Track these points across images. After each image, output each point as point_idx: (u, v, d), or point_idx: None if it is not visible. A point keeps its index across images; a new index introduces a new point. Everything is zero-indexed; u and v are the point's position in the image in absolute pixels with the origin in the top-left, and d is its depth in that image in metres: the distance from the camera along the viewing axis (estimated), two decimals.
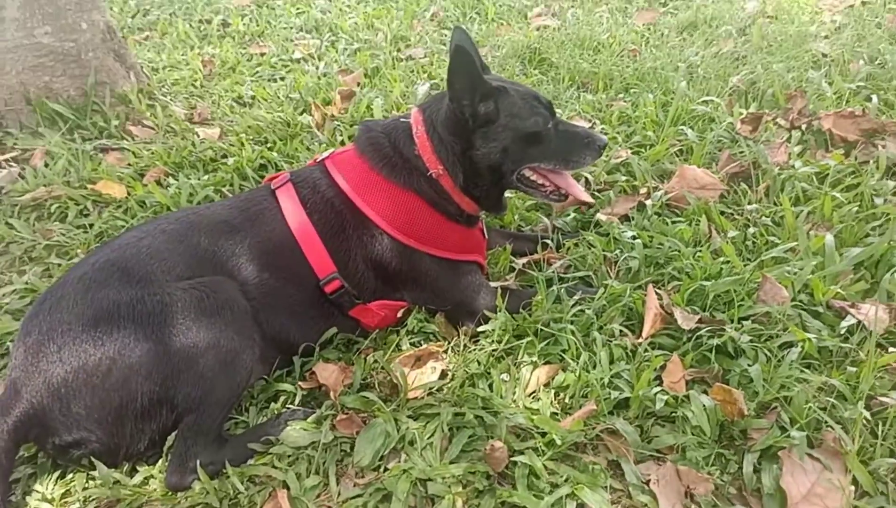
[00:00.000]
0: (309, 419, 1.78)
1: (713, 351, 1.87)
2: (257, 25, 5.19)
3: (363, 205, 1.98)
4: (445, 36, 4.63)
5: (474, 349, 1.98)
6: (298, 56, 4.43)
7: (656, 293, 2.04)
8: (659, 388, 1.78)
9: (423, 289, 2.07)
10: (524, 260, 2.37)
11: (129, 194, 2.76)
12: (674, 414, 1.74)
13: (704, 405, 1.71)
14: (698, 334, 1.94)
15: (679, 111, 3.18)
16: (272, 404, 1.88)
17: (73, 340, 1.63)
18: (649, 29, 4.48)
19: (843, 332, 1.91)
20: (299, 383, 1.92)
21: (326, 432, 1.74)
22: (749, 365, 1.81)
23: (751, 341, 1.88)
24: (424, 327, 2.06)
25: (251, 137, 3.15)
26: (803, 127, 2.93)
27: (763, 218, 2.45)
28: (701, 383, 1.83)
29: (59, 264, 2.45)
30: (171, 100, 3.59)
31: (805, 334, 1.86)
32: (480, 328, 2.04)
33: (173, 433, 1.69)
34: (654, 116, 3.18)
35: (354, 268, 1.99)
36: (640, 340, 1.95)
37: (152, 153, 3.01)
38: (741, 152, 2.84)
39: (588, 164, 2.10)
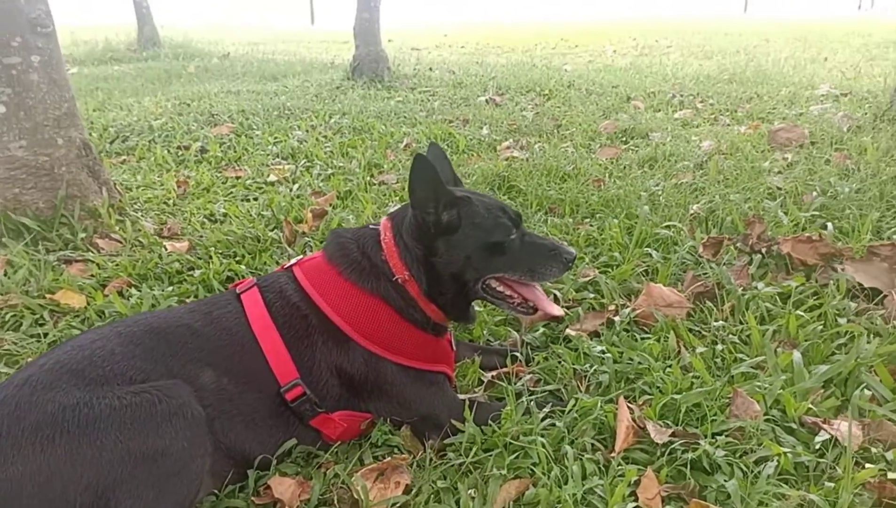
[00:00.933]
0: None
1: (688, 466, 1.81)
2: (234, 152, 5.34)
3: (329, 310, 1.95)
4: None
5: (440, 463, 1.89)
6: (273, 179, 4.53)
7: (628, 407, 2.00)
8: (634, 504, 1.70)
9: (388, 399, 2.00)
10: (493, 373, 2.32)
11: (88, 303, 2.69)
12: None
13: None
14: (672, 448, 1.88)
15: (643, 234, 3.27)
16: None
17: (12, 445, 1.52)
18: (612, 162, 4.70)
19: (817, 448, 1.87)
20: (252, 498, 1.78)
21: None
22: (725, 480, 1.75)
23: (725, 455, 1.83)
24: (389, 439, 1.97)
25: (220, 251, 3.14)
26: (763, 251, 3.02)
27: (730, 336, 2.46)
28: (677, 499, 1.75)
29: (7, 373, 2.33)
30: (141, 216, 3.60)
31: (780, 448, 1.81)
32: (447, 441, 1.95)
33: None
34: (619, 239, 3.27)
35: (318, 375, 1.93)
36: (613, 454, 1.88)
37: (117, 265, 2.97)
38: (705, 274, 2.90)
39: (555, 276, 2.10)
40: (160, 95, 8.26)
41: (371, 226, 2.11)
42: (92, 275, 2.93)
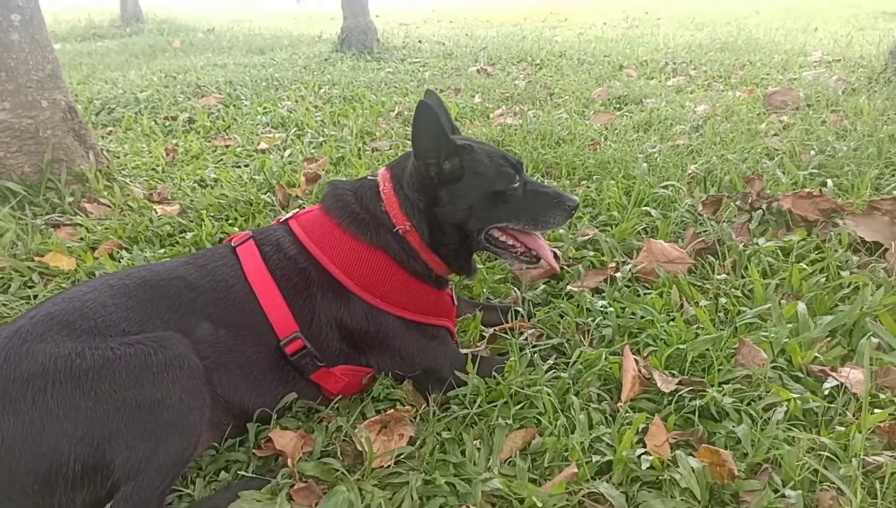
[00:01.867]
0: (263, 490, 1.61)
1: (696, 413, 1.78)
2: (223, 122, 5.24)
3: (328, 262, 1.90)
4: (409, 130, 4.73)
5: (444, 416, 1.85)
6: (264, 147, 4.45)
7: (633, 358, 1.97)
8: (642, 451, 1.67)
9: (389, 353, 1.96)
10: (495, 328, 2.28)
11: (77, 266, 2.62)
12: (660, 478, 1.62)
13: (693, 468, 1.59)
14: (678, 397, 1.85)
15: (641, 194, 3.23)
16: (222, 474, 1.69)
17: (2, 398, 1.46)
18: (606, 128, 4.65)
19: (826, 394, 1.85)
20: (253, 451, 1.74)
21: (283, 502, 1.56)
22: (734, 426, 1.72)
23: (733, 402, 1.80)
24: (391, 393, 1.93)
25: (212, 215, 3.07)
26: (763, 207, 2.99)
27: (733, 290, 2.43)
28: (686, 446, 1.72)
29: None
30: (130, 182, 3.51)
31: (789, 394, 1.79)
32: (451, 393, 1.91)
33: (109, 504, 1.49)
34: (617, 199, 3.22)
35: (318, 328, 1.88)
36: (620, 404, 1.85)
37: (106, 228, 2.90)
38: (705, 231, 2.87)
39: (558, 224, 2.06)
40: (145, 69, 8.11)
41: (369, 177, 2.05)
42: (81, 238, 2.86)
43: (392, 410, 1.83)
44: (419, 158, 1.89)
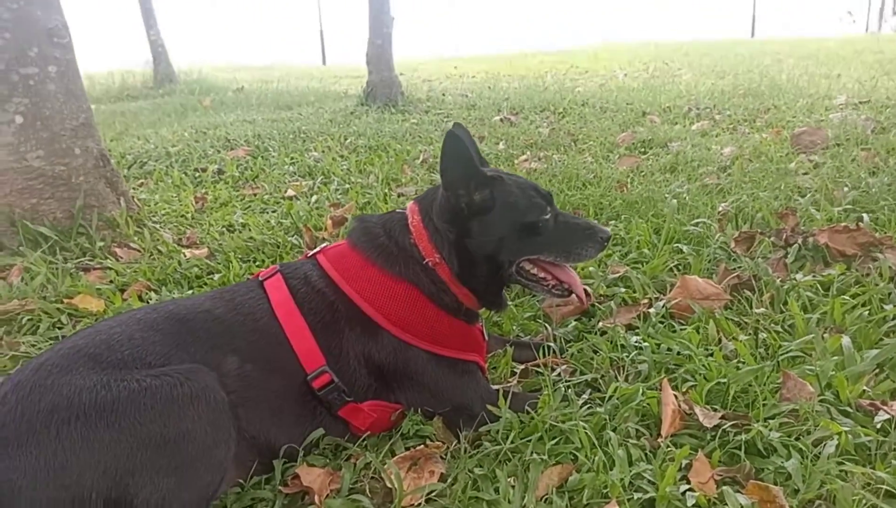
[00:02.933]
0: None
1: (742, 448, 1.69)
2: (251, 171, 5.32)
3: (356, 296, 1.87)
4: (435, 176, 4.75)
5: (476, 452, 1.78)
6: (291, 194, 4.49)
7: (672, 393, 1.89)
8: (686, 488, 1.58)
9: (419, 389, 1.90)
10: (526, 364, 2.22)
11: (106, 307, 2.62)
12: None
13: (741, 504, 1.51)
14: (721, 432, 1.77)
15: (671, 232, 3.18)
16: None
17: (27, 430, 1.44)
18: (633, 170, 4.63)
19: (878, 427, 1.75)
20: (280, 488, 1.68)
21: None
22: (783, 461, 1.63)
23: (780, 437, 1.71)
24: (420, 430, 1.87)
25: (240, 257, 3.08)
26: (799, 242, 2.91)
27: (772, 325, 2.35)
28: (732, 483, 1.63)
29: None
30: (160, 227, 3.55)
31: (840, 427, 1.70)
32: (482, 429, 1.85)
33: None
34: (647, 237, 3.17)
35: (346, 363, 1.84)
36: (661, 439, 1.77)
37: (135, 271, 2.92)
38: (739, 267, 2.80)
39: (591, 257, 2.02)
40: (177, 126, 8.32)
41: (397, 211, 2.04)
42: (110, 281, 2.88)
43: (422, 446, 1.77)
44: (448, 189, 1.88)
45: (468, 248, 1.91)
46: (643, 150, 5.43)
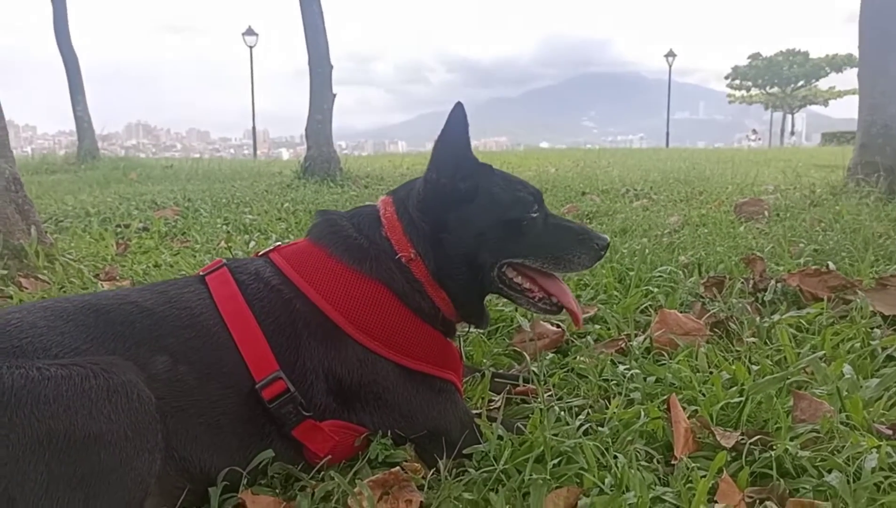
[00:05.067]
0: None
1: (773, 467, 1.45)
2: (180, 228, 4.96)
3: (316, 296, 1.58)
4: None
5: (462, 478, 1.47)
6: (225, 246, 4.15)
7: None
8: None
9: (387, 409, 1.59)
10: (510, 388, 1.95)
11: None
12: None
13: None
14: (739, 452, 1.53)
15: (637, 279, 3.03)
16: None
17: None
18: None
19: None
20: None
21: None
22: (819, 479, 1.40)
23: (810, 456, 1.49)
24: (391, 455, 1.55)
25: None
26: (773, 284, 2.80)
27: (763, 357, 2.18)
28: (762, 504, 1.38)
29: None
30: (75, 262, 3.14)
31: (876, 441, 1.49)
32: (467, 450, 1.54)
33: None
34: (613, 282, 3.01)
35: (302, 373, 1.52)
36: (675, 460, 1.51)
37: (43, 295, 2.50)
38: (715, 309, 2.65)
39: (585, 266, 1.77)
40: (99, 193, 7.86)
41: (367, 204, 1.79)
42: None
43: (397, 468, 1.44)
44: (435, 169, 1.66)
45: (444, 244, 1.66)
46: (589, 219, 5.39)
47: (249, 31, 34.90)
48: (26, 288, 2.70)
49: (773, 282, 2.80)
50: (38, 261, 2.91)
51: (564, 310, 1.78)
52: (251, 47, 34.50)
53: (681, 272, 3.12)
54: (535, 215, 1.74)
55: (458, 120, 1.62)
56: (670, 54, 45.74)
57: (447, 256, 1.67)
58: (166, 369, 1.39)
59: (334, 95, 8.76)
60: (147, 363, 1.37)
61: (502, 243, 1.70)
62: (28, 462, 1.09)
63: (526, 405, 1.86)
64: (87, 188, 8.75)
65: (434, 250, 1.67)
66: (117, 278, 2.95)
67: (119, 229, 4.96)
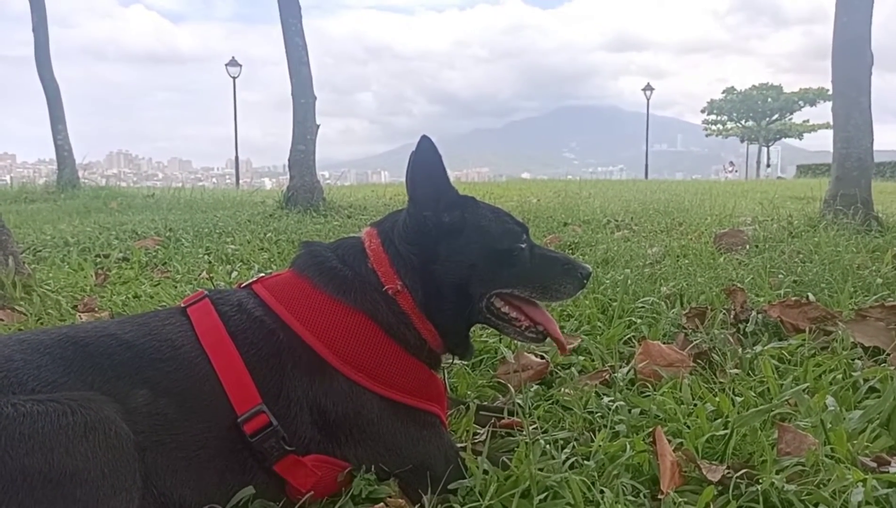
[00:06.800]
0: None
1: (759, 500, 1.45)
2: (161, 258, 4.91)
3: (301, 328, 1.56)
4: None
5: None
6: (207, 277, 4.11)
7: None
8: None
9: (371, 443, 1.57)
10: (494, 421, 1.93)
11: None
12: None
13: None
14: (725, 487, 1.53)
15: (620, 310, 3.04)
16: None
17: None
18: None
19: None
20: None
21: None
22: None
23: (796, 490, 1.49)
24: (375, 491, 1.52)
25: None
26: (751, 318, 2.82)
27: (747, 389, 2.18)
28: None
29: None
30: (53, 293, 3.09)
31: (861, 474, 1.49)
32: (453, 485, 1.52)
33: None
34: (596, 313, 3.02)
35: (286, 406, 1.50)
36: (662, 495, 1.50)
37: (20, 328, 2.46)
38: (697, 340, 2.66)
39: (570, 294, 1.79)
40: (78, 222, 7.78)
41: (350, 236, 1.79)
42: None
43: (381, 504, 1.42)
44: (416, 205, 1.66)
45: (435, 275, 1.66)
46: (571, 250, 5.42)
47: (233, 62, 35.17)
48: (2, 320, 2.65)
49: (754, 313, 2.82)
50: (16, 292, 2.86)
51: (549, 339, 1.79)
52: (234, 78, 34.72)
53: (663, 303, 3.14)
54: (523, 245, 1.75)
55: (426, 153, 1.63)
56: (648, 88, 46.73)
57: (437, 287, 1.67)
58: (146, 402, 1.36)
59: (318, 126, 8.79)
60: (126, 397, 1.34)
61: (493, 273, 1.70)
62: (2, 500, 1.05)
63: (511, 438, 1.84)
64: (66, 218, 8.65)
65: (422, 282, 1.67)
66: (96, 309, 2.91)
67: (98, 260, 4.90)
